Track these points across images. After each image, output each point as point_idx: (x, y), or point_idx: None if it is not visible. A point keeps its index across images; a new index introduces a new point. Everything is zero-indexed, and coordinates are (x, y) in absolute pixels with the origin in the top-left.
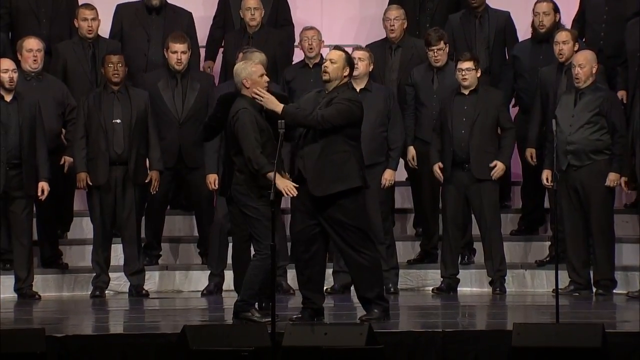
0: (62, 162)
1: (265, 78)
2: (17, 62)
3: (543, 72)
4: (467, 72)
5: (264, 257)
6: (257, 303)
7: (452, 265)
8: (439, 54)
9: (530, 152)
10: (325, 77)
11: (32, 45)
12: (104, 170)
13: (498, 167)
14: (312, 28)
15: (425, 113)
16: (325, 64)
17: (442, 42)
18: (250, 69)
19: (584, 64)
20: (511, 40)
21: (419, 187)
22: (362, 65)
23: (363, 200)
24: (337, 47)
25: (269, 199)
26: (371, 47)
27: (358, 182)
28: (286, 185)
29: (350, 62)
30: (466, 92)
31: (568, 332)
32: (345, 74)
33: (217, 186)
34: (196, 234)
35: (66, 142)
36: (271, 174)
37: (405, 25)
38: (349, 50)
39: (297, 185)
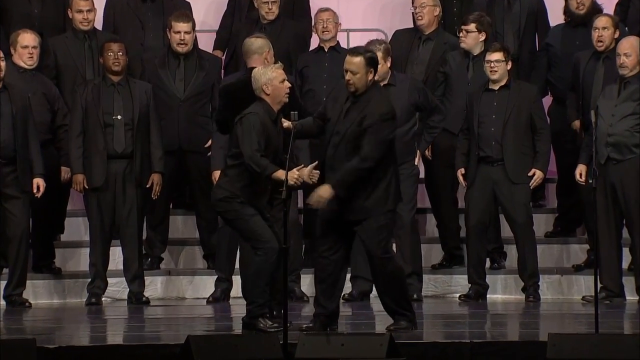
0: (63, 176)
1: (287, 84)
2: (8, 54)
3: (578, 56)
4: (496, 64)
5: (265, 253)
6: (268, 311)
7: (481, 271)
8: (464, 35)
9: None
10: (352, 89)
11: (27, 41)
12: (101, 171)
13: (537, 176)
14: (327, 10)
15: (456, 103)
16: (347, 77)
17: (473, 25)
18: (271, 74)
19: (630, 52)
20: (542, 26)
21: (436, 180)
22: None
23: (394, 212)
24: (353, 52)
25: (244, 199)
26: (398, 34)
27: (392, 205)
28: (292, 176)
29: (372, 62)
30: (496, 87)
31: (607, 343)
32: (370, 77)
33: None
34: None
35: (60, 152)
36: (277, 174)
37: (436, 13)
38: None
39: (299, 175)
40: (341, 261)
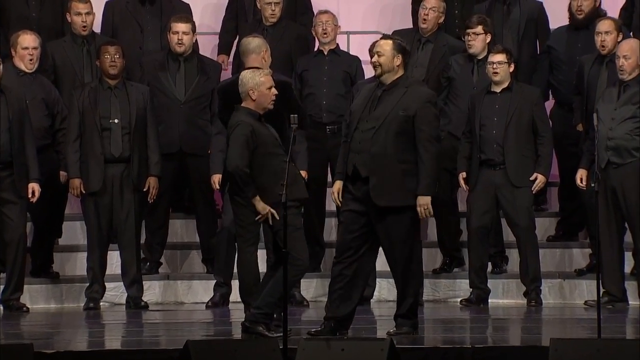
0: (62, 180)
1: (274, 91)
2: (7, 56)
3: (582, 60)
4: (499, 65)
5: (299, 268)
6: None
7: (482, 275)
8: (473, 37)
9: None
10: (378, 71)
11: (28, 43)
12: (99, 175)
13: (539, 181)
14: (326, 12)
15: (460, 106)
16: (373, 60)
17: (480, 27)
18: (259, 79)
19: (629, 55)
20: (543, 32)
21: (438, 182)
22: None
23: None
24: (383, 37)
25: (294, 208)
26: (397, 35)
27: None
28: (264, 210)
29: (400, 48)
30: (498, 89)
31: (610, 348)
32: (398, 62)
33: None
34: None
35: (60, 155)
36: (254, 200)
37: (441, 20)
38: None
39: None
40: (360, 268)
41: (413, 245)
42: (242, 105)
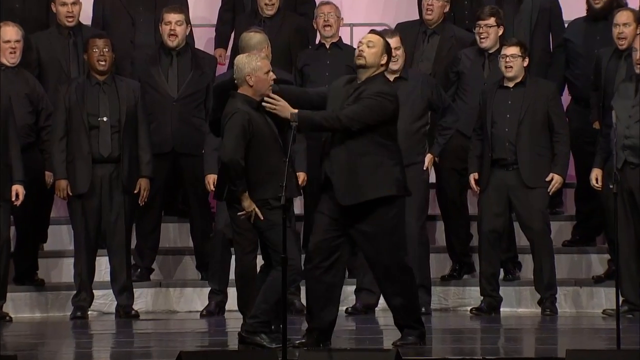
0: (47, 181)
1: (272, 75)
2: None
3: (600, 54)
4: (512, 59)
5: (290, 270)
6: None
7: (494, 282)
8: (485, 30)
9: None
10: (360, 61)
11: (10, 36)
12: (86, 176)
13: (555, 181)
14: (328, 3)
15: (470, 103)
16: (361, 48)
17: (493, 18)
18: (256, 63)
19: None
20: (556, 24)
21: (445, 183)
22: (399, 53)
23: (401, 209)
24: (375, 32)
25: (277, 206)
26: (401, 28)
27: (393, 191)
28: (250, 208)
29: (389, 50)
30: (511, 84)
31: None
32: (383, 62)
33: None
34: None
35: (45, 154)
36: (243, 196)
37: (446, 9)
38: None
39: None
40: (337, 273)
41: (399, 248)
42: (238, 91)
